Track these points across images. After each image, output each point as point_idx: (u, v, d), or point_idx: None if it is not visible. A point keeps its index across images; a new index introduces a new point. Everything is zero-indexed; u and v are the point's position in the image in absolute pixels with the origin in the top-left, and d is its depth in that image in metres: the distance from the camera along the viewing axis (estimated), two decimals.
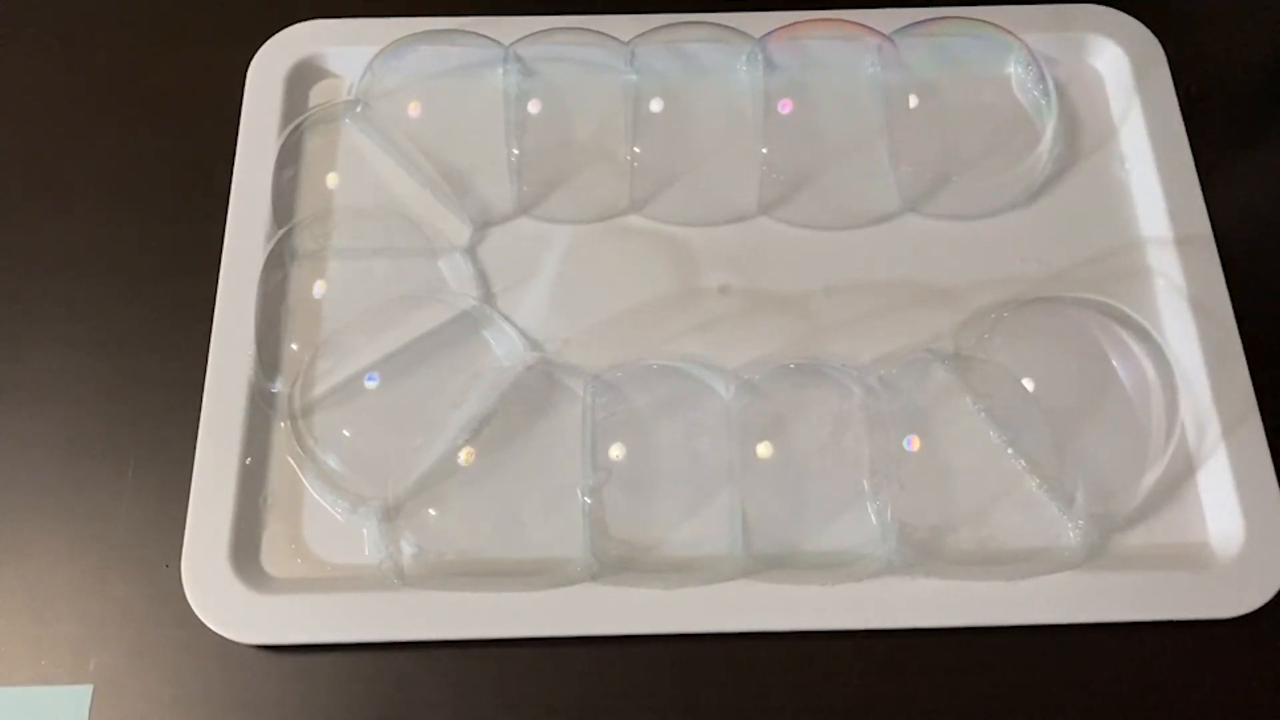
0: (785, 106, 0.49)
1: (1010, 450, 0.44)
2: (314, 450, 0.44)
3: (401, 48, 0.50)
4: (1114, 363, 0.45)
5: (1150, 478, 0.43)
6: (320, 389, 0.45)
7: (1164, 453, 0.43)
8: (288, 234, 0.47)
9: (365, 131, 0.50)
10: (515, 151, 0.49)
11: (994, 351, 0.45)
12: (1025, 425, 0.44)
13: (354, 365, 0.45)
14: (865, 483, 0.43)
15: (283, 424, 0.45)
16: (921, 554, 0.42)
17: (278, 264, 0.47)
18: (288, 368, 0.46)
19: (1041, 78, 0.50)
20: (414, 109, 0.50)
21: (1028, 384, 0.44)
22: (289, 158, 0.50)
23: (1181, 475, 0.44)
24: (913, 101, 0.49)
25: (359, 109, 0.50)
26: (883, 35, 0.50)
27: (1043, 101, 0.49)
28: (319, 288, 0.47)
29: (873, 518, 0.43)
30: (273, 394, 0.45)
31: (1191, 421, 0.45)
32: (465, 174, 0.49)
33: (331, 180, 0.49)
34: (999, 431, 0.44)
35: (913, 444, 0.43)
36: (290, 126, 0.50)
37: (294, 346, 0.46)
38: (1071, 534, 0.42)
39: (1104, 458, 0.43)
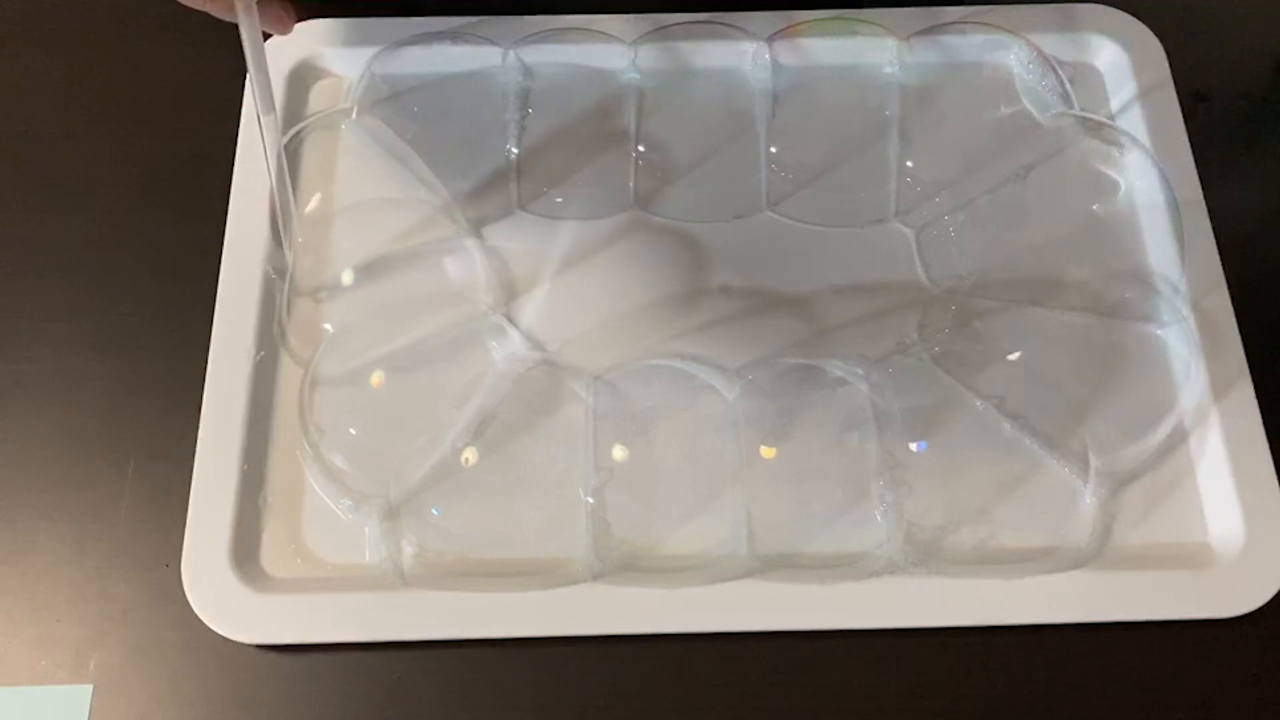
0: (793, 106, 0.49)
1: (1023, 432, 0.44)
2: (318, 446, 0.44)
3: (401, 49, 0.50)
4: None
5: (1164, 425, 0.44)
6: (325, 386, 0.45)
7: (1174, 400, 0.44)
8: (292, 237, 0.48)
9: (364, 135, 0.50)
10: (515, 151, 0.49)
11: (969, 333, 0.45)
12: (1035, 407, 0.44)
13: (357, 365, 0.45)
14: (871, 484, 0.43)
15: (286, 406, 0.45)
16: (926, 554, 0.42)
17: (282, 264, 0.47)
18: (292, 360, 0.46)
19: (1059, 85, 0.50)
20: (415, 110, 0.50)
21: (1022, 357, 0.44)
22: (288, 164, 0.50)
23: (1182, 475, 0.44)
24: (921, 106, 0.49)
25: (354, 115, 0.50)
26: (895, 36, 0.50)
27: (1051, 100, 0.50)
28: (325, 288, 0.47)
29: (878, 518, 0.42)
30: (275, 386, 0.45)
31: (1192, 422, 0.45)
32: (467, 175, 0.49)
33: (317, 201, 0.49)
34: (1008, 422, 0.44)
35: (919, 444, 0.43)
36: (288, 135, 0.49)
37: (327, 327, 0.46)
38: (1086, 498, 0.43)
39: (1110, 412, 0.44)
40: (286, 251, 0.46)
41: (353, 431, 0.44)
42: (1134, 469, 0.44)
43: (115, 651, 0.42)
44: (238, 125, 0.50)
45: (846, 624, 0.41)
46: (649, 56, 0.51)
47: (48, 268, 0.49)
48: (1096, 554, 0.42)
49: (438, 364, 0.45)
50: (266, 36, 0.44)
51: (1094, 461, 0.43)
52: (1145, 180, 0.48)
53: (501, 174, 0.49)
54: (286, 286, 0.46)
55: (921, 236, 0.48)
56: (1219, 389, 0.44)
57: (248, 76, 0.43)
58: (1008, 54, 0.51)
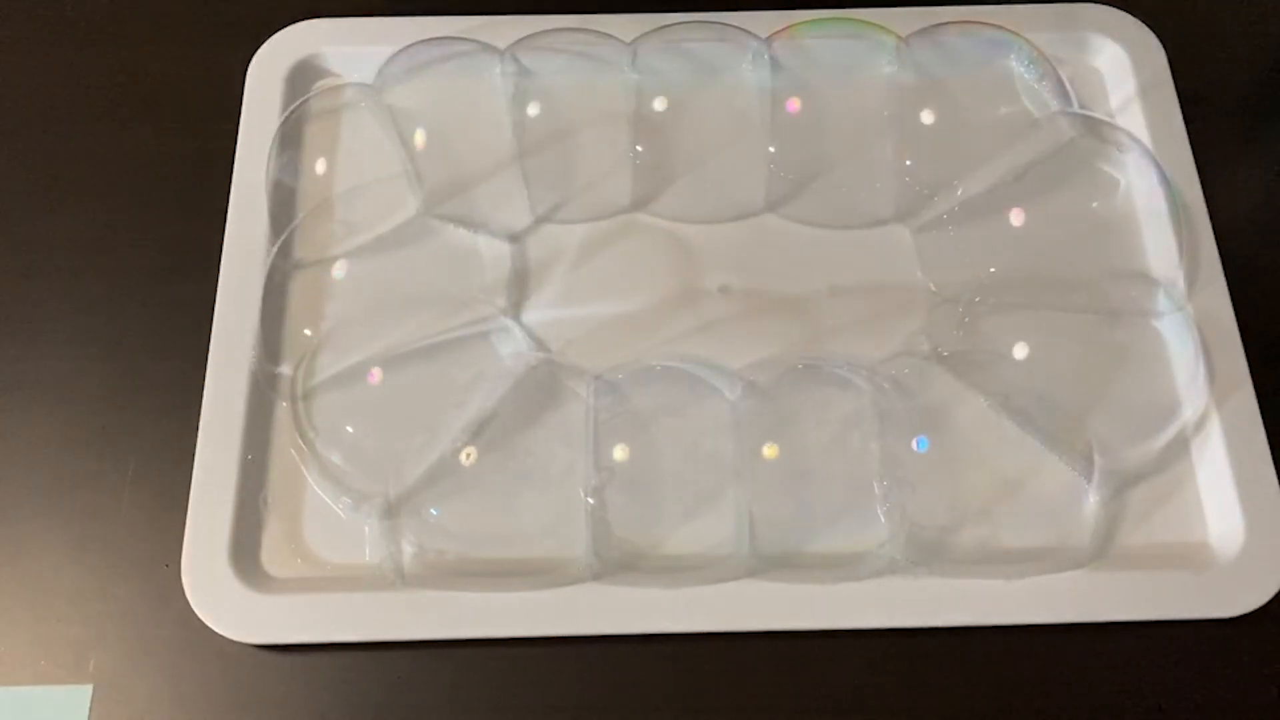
0: (793, 106, 0.49)
1: (1027, 431, 0.44)
2: (315, 443, 0.44)
3: (405, 54, 0.50)
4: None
5: (1168, 424, 0.44)
6: (322, 381, 0.45)
7: (1176, 400, 0.44)
8: (298, 227, 0.48)
9: (365, 134, 0.50)
10: (518, 153, 0.49)
11: (979, 336, 0.45)
12: (1040, 406, 0.44)
13: (356, 359, 0.45)
14: (875, 485, 0.43)
15: (285, 404, 0.45)
16: (929, 554, 0.42)
17: (286, 253, 0.47)
18: (292, 354, 0.46)
19: (1059, 85, 0.49)
20: (413, 110, 0.50)
21: (1026, 356, 0.44)
22: (290, 141, 0.50)
23: (1182, 475, 0.44)
24: (921, 105, 0.49)
25: (378, 96, 0.50)
26: (896, 35, 0.50)
27: (1051, 99, 0.50)
28: (324, 279, 0.47)
29: (881, 518, 0.42)
30: (276, 377, 0.45)
31: (1192, 422, 0.45)
32: (468, 176, 0.49)
33: (321, 166, 0.50)
34: (1013, 420, 0.44)
35: (922, 443, 0.43)
36: (293, 106, 0.50)
37: (307, 332, 0.46)
38: (1090, 498, 0.43)
39: (1113, 411, 0.44)
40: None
41: (350, 429, 0.44)
42: (1138, 468, 0.44)
43: (115, 651, 0.42)
44: (238, 125, 0.50)
45: (846, 624, 0.41)
46: (648, 56, 0.51)
47: (47, 267, 0.49)
48: (1098, 554, 0.42)
49: (438, 362, 0.45)
50: None
51: (1098, 461, 0.43)
52: (1145, 179, 0.48)
53: (500, 175, 0.49)
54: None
55: (921, 236, 0.48)
56: (1219, 389, 0.44)
57: None
58: (1008, 54, 0.51)
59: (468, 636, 0.41)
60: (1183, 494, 0.44)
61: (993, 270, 0.47)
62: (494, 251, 0.48)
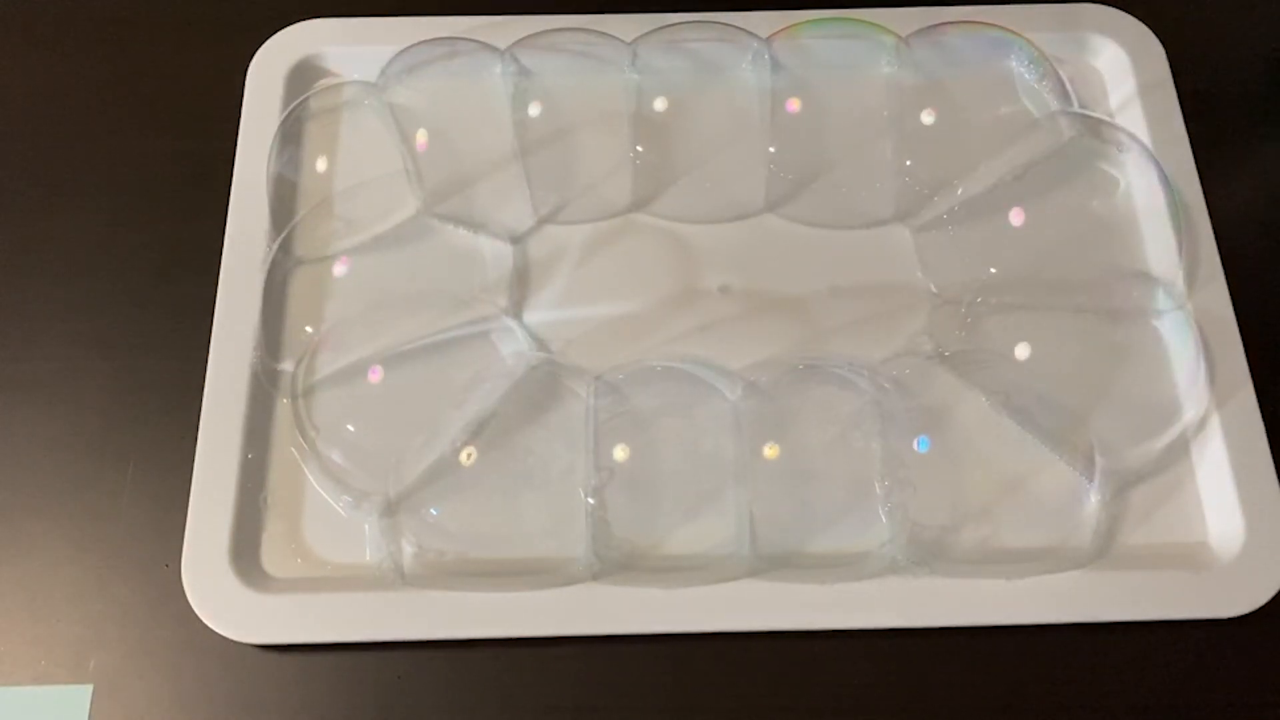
0: (792, 106, 0.49)
1: (1029, 431, 0.44)
2: (315, 441, 0.44)
3: (406, 54, 0.50)
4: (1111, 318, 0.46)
5: (1169, 424, 0.44)
6: (323, 379, 0.45)
7: (1176, 400, 0.44)
8: (299, 225, 0.48)
9: (367, 133, 0.50)
10: (519, 153, 0.49)
11: (981, 336, 0.45)
12: (1041, 405, 0.44)
13: (356, 358, 0.45)
14: (876, 485, 0.43)
15: (285, 403, 0.45)
16: (930, 554, 0.42)
17: (287, 250, 0.47)
18: (292, 352, 0.46)
19: (1059, 85, 0.49)
20: (414, 110, 0.50)
21: (1028, 356, 0.44)
22: (291, 137, 0.50)
23: (1182, 475, 0.44)
24: (921, 105, 0.49)
25: (379, 94, 0.50)
26: (896, 35, 0.50)
27: (1051, 99, 0.50)
28: (325, 277, 0.47)
29: (883, 518, 0.42)
30: (277, 374, 0.45)
31: (1192, 422, 0.45)
32: (469, 176, 0.49)
33: (322, 164, 0.50)
34: (1014, 420, 0.44)
35: (923, 443, 0.43)
36: (295, 103, 0.50)
37: (308, 329, 0.46)
38: (1091, 498, 0.43)
39: (1113, 411, 0.44)
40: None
41: (350, 427, 0.44)
42: (1139, 468, 0.44)
43: (115, 651, 0.42)
44: (238, 125, 0.50)
45: (846, 624, 0.41)
46: (649, 56, 0.51)
47: (48, 268, 0.49)
48: (1099, 554, 0.42)
49: (439, 361, 0.45)
50: None
51: (1100, 461, 0.43)
52: (1145, 179, 0.48)
53: (500, 175, 0.49)
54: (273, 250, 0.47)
55: (921, 236, 0.48)
56: (1219, 389, 0.44)
57: None
58: (1008, 54, 0.51)
59: (468, 636, 0.41)
60: (1183, 494, 0.44)
61: (993, 270, 0.47)
62: (495, 251, 0.48)
